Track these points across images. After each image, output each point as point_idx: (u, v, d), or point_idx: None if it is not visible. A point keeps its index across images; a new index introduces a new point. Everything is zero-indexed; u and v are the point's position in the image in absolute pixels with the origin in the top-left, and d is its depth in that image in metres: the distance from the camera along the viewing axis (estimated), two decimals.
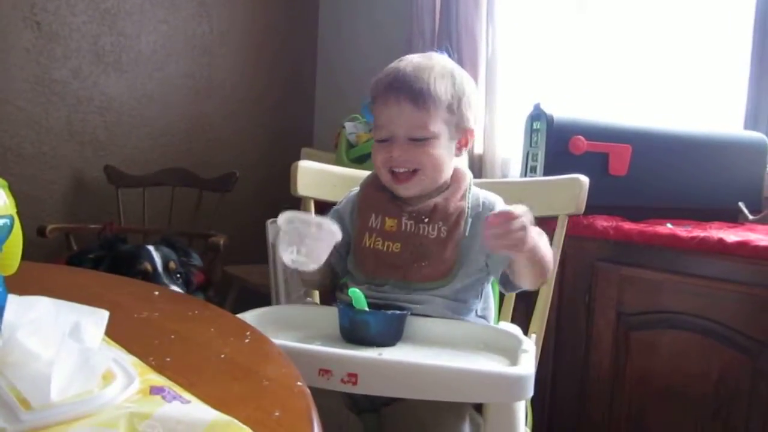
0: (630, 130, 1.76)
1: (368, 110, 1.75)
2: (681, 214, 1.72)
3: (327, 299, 1.32)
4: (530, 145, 1.78)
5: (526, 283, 1.15)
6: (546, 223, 1.31)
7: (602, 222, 1.61)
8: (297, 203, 1.36)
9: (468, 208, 1.17)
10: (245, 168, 2.90)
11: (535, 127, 1.76)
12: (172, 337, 0.76)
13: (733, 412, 1.41)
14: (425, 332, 1.07)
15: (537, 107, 1.76)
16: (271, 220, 2.10)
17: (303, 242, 1.01)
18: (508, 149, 2.31)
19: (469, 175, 1.24)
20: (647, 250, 1.54)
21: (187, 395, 0.52)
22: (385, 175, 1.17)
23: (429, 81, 1.12)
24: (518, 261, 1.08)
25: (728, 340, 1.42)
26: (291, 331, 1.05)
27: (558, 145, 1.69)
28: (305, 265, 1.03)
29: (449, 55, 1.23)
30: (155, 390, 0.51)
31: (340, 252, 1.19)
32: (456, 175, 1.21)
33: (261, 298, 2.26)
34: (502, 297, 1.33)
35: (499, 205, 1.19)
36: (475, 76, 2.27)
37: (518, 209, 1.01)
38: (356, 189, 1.26)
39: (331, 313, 1.09)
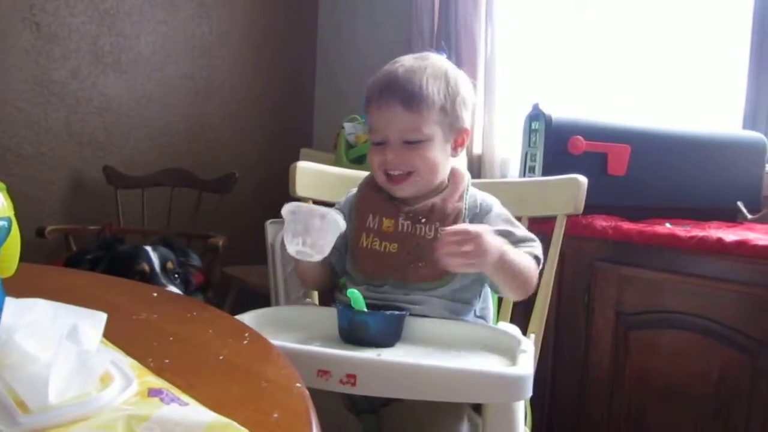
0: (629, 130, 1.76)
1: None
2: (680, 214, 1.72)
3: (326, 300, 1.32)
4: (529, 145, 1.78)
5: (506, 294, 1.16)
6: (545, 223, 1.32)
7: (601, 222, 1.61)
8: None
9: (465, 209, 1.17)
10: (244, 169, 2.89)
11: (533, 127, 1.76)
12: (171, 338, 0.76)
13: (733, 412, 1.41)
14: (424, 333, 1.07)
15: (535, 107, 1.76)
16: (270, 220, 2.10)
17: (308, 233, 1.01)
18: (507, 149, 2.31)
19: (467, 175, 1.24)
20: (646, 250, 1.54)
21: (185, 397, 0.52)
22: (380, 177, 1.18)
23: (421, 83, 1.12)
24: (488, 274, 1.08)
25: (728, 340, 1.42)
26: (290, 332, 1.05)
27: (557, 145, 1.69)
28: (310, 256, 1.03)
29: (447, 55, 1.23)
30: (153, 392, 0.51)
31: (340, 251, 1.19)
32: (454, 176, 1.22)
33: (260, 298, 2.26)
34: (501, 297, 1.33)
35: (496, 207, 1.19)
36: (473, 76, 2.28)
37: (477, 227, 1.03)
38: (355, 189, 1.26)
39: (330, 314, 1.08)
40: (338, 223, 1.03)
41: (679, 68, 2.13)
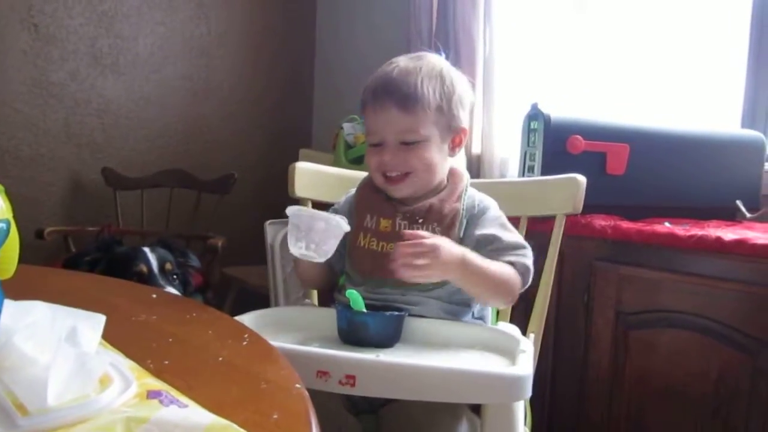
0: (627, 129, 1.77)
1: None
2: (679, 213, 1.72)
3: (325, 301, 1.32)
4: (528, 145, 1.78)
5: (481, 302, 1.15)
6: (544, 222, 1.32)
7: (600, 221, 1.61)
8: (295, 204, 1.36)
9: (463, 209, 1.17)
10: (243, 169, 2.89)
11: (532, 126, 1.76)
12: (170, 340, 0.76)
13: (733, 411, 1.41)
14: (423, 333, 1.07)
15: (534, 107, 1.76)
16: (269, 221, 2.10)
17: (312, 237, 1.02)
18: (506, 149, 2.31)
19: (466, 175, 1.23)
20: (645, 249, 1.54)
21: (184, 399, 0.52)
22: (378, 178, 1.18)
23: (416, 84, 1.12)
24: (453, 283, 1.08)
25: (727, 339, 1.42)
26: (289, 332, 1.05)
27: (555, 144, 1.70)
28: (313, 258, 1.03)
29: (445, 56, 1.22)
30: (152, 394, 0.51)
31: (340, 251, 1.18)
32: (453, 176, 1.21)
33: (260, 299, 2.25)
34: None
35: (493, 210, 1.18)
36: (472, 75, 2.27)
37: (435, 238, 1.03)
38: (353, 190, 1.26)
39: (330, 315, 1.08)
40: (342, 226, 1.03)
41: (677, 67, 2.13)
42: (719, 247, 1.41)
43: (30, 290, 0.64)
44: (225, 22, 3.07)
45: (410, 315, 1.08)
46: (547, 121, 1.71)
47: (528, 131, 1.78)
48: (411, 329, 1.07)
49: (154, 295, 1.02)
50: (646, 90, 2.18)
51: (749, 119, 1.93)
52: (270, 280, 2.19)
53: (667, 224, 1.60)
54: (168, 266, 1.66)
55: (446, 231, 1.14)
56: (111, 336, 0.61)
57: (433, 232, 1.13)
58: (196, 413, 0.49)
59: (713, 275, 1.44)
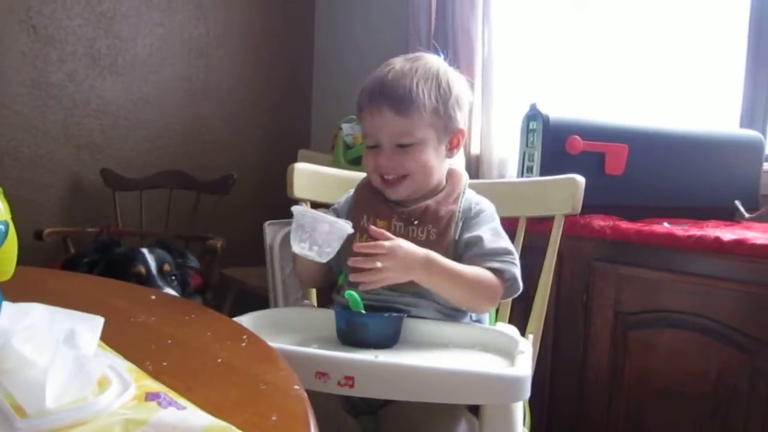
0: (626, 129, 1.77)
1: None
2: (678, 213, 1.72)
3: (324, 302, 1.32)
4: (526, 146, 1.78)
5: (458, 305, 1.13)
6: (543, 223, 1.32)
7: (599, 221, 1.61)
8: (295, 205, 1.36)
9: (459, 211, 1.16)
10: (242, 170, 2.89)
11: (531, 127, 1.76)
12: (169, 341, 0.76)
13: (732, 411, 1.41)
14: (422, 334, 1.07)
15: (533, 107, 1.76)
16: (268, 222, 2.10)
17: (315, 238, 1.02)
18: (505, 149, 2.31)
19: (465, 176, 1.23)
20: (644, 249, 1.54)
21: (183, 401, 0.52)
22: (375, 180, 1.18)
23: (411, 87, 1.11)
24: (422, 284, 1.08)
25: (726, 339, 1.42)
26: (288, 334, 1.05)
27: (554, 145, 1.70)
28: (315, 258, 1.04)
29: (444, 56, 1.22)
30: (151, 396, 0.51)
31: (339, 251, 1.19)
32: (452, 177, 1.21)
33: (259, 300, 2.26)
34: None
35: (486, 213, 1.18)
36: (471, 76, 2.28)
37: (395, 240, 1.03)
38: (352, 191, 1.26)
39: (328, 316, 1.08)
40: (346, 229, 1.04)
41: (676, 67, 2.13)
42: (718, 247, 1.41)
43: (28, 292, 0.64)
44: (223, 23, 3.07)
45: (411, 316, 1.08)
46: (545, 121, 1.71)
47: (527, 131, 1.78)
48: (410, 330, 1.07)
49: (153, 297, 1.02)
50: (645, 90, 2.18)
51: (748, 119, 1.94)
52: (269, 281, 2.19)
53: (665, 224, 1.60)
54: (166, 267, 1.66)
55: (442, 233, 1.14)
56: (109, 337, 0.61)
57: (429, 233, 1.13)
58: (194, 415, 0.49)
59: (712, 275, 1.44)
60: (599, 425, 1.62)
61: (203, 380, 0.64)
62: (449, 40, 2.38)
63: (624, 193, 1.73)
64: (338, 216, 1.21)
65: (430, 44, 2.43)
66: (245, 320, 1.03)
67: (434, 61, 1.18)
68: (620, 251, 1.59)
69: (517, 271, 1.12)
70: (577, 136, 1.68)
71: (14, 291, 0.61)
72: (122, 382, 0.53)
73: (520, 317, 1.31)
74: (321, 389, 0.86)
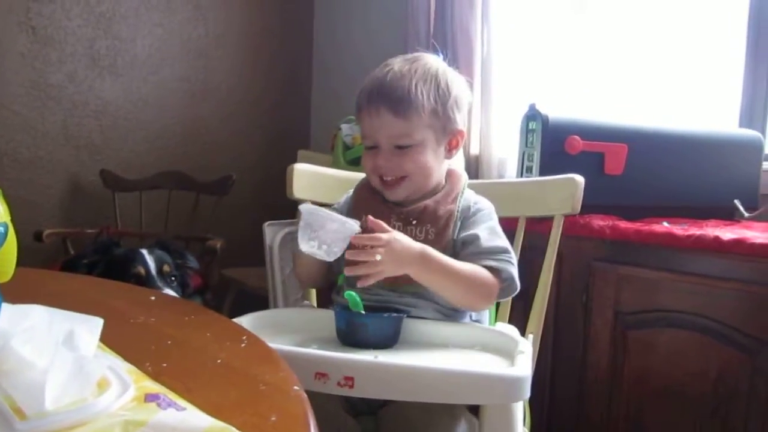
0: (626, 129, 1.77)
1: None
2: (677, 213, 1.72)
3: (324, 302, 1.32)
4: (526, 145, 1.78)
5: (452, 303, 1.12)
6: (542, 223, 1.32)
7: (599, 221, 1.62)
8: (294, 205, 1.36)
9: (458, 211, 1.16)
10: (242, 171, 2.89)
11: (530, 127, 1.76)
12: (169, 342, 0.76)
13: (732, 411, 1.41)
14: (422, 334, 1.07)
15: (532, 107, 1.76)
16: (268, 222, 2.10)
17: (322, 237, 1.02)
18: (504, 149, 2.31)
19: (464, 177, 1.23)
20: (644, 249, 1.54)
21: (182, 402, 0.52)
22: (374, 180, 1.18)
23: (409, 88, 1.11)
24: (416, 279, 1.07)
25: (726, 338, 1.42)
26: (287, 334, 1.05)
27: (553, 145, 1.70)
28: (322, 257, 1.03)
29: (443, 56, 1.22)
30: (150, 397, 0.51)
31: None
32: (452, 177, 1.21)
33: (259, 300, 2.25)
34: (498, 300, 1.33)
35: (484, 213, 1.17)
36: (470, 76, 2.28)
37: (391, 232, 1.02)
38: (352, 191, 1.26)
39: (328, 316, 1.08)
40: (354, 229, 1.03)
41: (675, 67, 2.13)
42: (718, 246, 1.41)
43: (28, 293, 0.64)
44: (223, 23, 3.07)
45: (410, 316, 1.08)
46: (545, 121, 1.71)
47: (526, 132, 1.78)
48: (409, 330, 1.07)
49: (153, 297, 1.02)
50: (644, 90, 2.18)
51: (747, 119, 1.94)
52: (269, 282, 2.18)
53: (665, 224, 1.60)
54: (166, 268, 1.65)
55: (440, 232, 1.14)
56: (109, 339, 0.61)
57: (427, 233, 1.13)
58: (194, 416, 0.49)
59: (712, 275, 1.44)
60: (599, 425, 1.62)
61: (203, 381, 0.64)
62: (448, 40, 2.38)
63: (623, 193, 1.73)
64: None
65: (429, 44, 2.43)
66: (245, 321, 1.03)
67: (433, 61, 1.18)
68: (620, 251, 1.59)
69: (514, 270, 1.12)
70: (576, 136, 1.68)
71: (14, 292, 0.61)
72: (122, 384, 0.53)
73: (519, 317, 1.31)
74: (321, 390, 0.86)
